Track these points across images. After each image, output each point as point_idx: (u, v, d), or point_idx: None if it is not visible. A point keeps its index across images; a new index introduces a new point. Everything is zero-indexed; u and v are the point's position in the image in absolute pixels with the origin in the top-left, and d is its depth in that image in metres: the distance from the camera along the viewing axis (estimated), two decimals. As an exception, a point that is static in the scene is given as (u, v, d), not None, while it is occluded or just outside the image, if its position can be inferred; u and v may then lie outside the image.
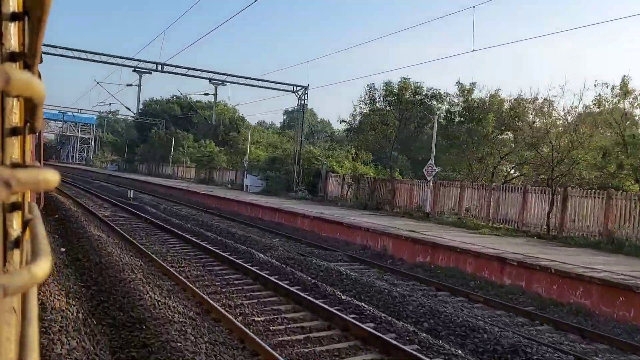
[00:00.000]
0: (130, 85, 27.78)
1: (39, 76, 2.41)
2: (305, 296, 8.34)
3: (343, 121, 27.65)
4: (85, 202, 24.43)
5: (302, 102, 31.47)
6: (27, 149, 1.42)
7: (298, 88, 31.32)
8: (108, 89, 51.72)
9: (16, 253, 0.89)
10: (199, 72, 28.46)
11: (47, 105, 67.00)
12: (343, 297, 8.74)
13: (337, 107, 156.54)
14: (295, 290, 8.66)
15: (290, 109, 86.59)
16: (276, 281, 9.21)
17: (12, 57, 0.82)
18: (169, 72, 28.61)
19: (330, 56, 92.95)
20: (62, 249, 11.36)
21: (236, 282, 9.44)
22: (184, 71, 28.64)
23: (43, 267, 0.59)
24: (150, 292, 7.13)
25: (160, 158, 54.30)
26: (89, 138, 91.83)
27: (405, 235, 13.59)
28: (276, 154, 34.62)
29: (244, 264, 10.71)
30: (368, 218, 18.46)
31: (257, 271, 10.07)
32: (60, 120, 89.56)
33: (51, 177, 0.59)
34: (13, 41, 0.83)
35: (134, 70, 27.74)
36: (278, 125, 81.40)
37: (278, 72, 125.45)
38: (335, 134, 73.33)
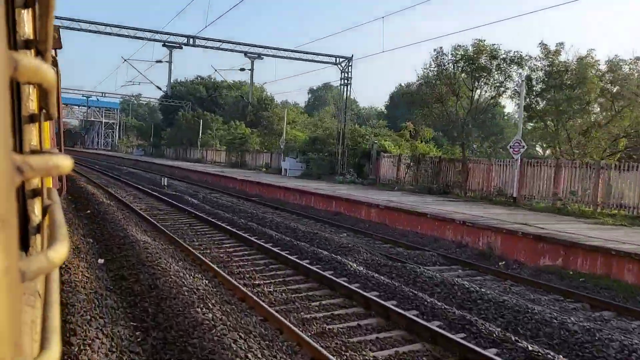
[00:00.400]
0: (160, 61, 25.34)
1: (55, 63, 2.94)
2: (459, 340, 5.68)
3: (407, 92, 24.53)
4: (117, 192, 22.24)
5: (346, 74, 28.51)
6: (45, 135, 1.38)
7: (341, 59, 28.34)
8: (136, 66, 49.14)
9: (37, 238, 0.93)
10: (234, 45, 25.73)
11: (70, 90, 65.40)
12: (492, 329, 6.12)
13: (365, 84, 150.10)
14: (441, 331, 5.99)
15: (315, 87, 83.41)
16: (403, 313, 6.56)
17: (27, 44, 0.83)
18: (201, 47, 25.97)
19: (370, 25, 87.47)
20: (101, 260, 8.93)
21: (343, 314, 6.82)
22: (217, 44, 25.92)
23: (60, 251, 0.61)
24: (250, 355, 4.56)
25: (187, 142, 52.15)
26: (114, 123, 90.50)
27: (522, 231, 10.78)
28: (317, 134, 31.86)
29: (337, 279, 8.11)
30: (447, 206, 15.67)
31: (362, 292, 7.44)
32: (84, 106, 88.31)
33: (64, 162, 0.60)
34: (27, 28, 0.84)
35: (163, 45, 25.18)
36: (302, 104, 78.48)
37: (315, 43, 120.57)
38: (361, 112, 70.08)
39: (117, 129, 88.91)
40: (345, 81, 28.72)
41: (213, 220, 14.50)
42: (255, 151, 38.97)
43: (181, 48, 25.01)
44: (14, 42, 0.77)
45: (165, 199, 19.71)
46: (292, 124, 35.18)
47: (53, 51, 3.50)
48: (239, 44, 26.12)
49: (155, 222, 13.39)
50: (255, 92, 54.27)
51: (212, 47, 25.66)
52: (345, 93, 28.88)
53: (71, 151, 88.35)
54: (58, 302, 0.75)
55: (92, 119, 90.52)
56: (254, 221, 14.86)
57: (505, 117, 42.19)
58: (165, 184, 25.08)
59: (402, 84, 51.26)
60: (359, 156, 27.94)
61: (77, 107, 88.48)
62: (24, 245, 0.88)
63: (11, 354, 0.40)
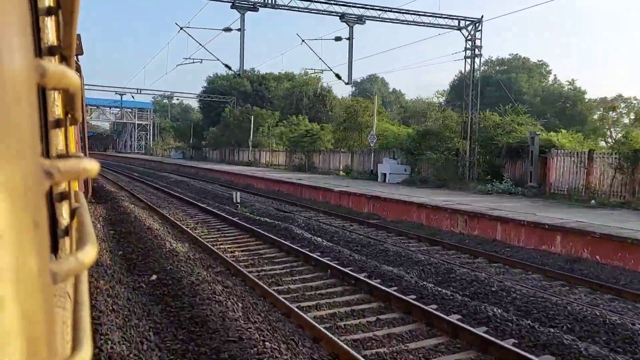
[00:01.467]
0: (230, 30, 18.07)
1: (78, 68, 3.13)
2: None
3: None
4: (176, 215, 15.10)
5: (473, 42, 20.69)
6: (71, 139, 1.42)
7: (467, 22, 20.54)
8: (197, 36, 41.06)
9: (66, 241, 0.94)
10: (327, 4, 18.22)
11: (99, 87, 59.36)
12: None
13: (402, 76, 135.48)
14: None
15: (359, 80, 75.52)
16: None
17: (51, 50, 0.85)
18: (283, 7, 18.57)
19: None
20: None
21: None
22: (305, 4, 18.49)
23: (89, 253, 0.63)
24: None
25: (236, 142, 45.13)
26: (147, 124, 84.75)
27: None
28: (428, 126, 24.13)
29: None
30: None
31: None
32: (116, 107, 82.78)
33: (91, 166, 0.62)
34: (50, 35, 0.85)
35: (232, 7, 17.78)
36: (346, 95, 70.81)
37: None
38: (408, 105, 61.92)
39: (151, 131, 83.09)
40: (472, 51, 20.90)
41: (379, 286, 7.03)
42: (327, 151, 31.50)
43: (256, 10, 17.58)
44: (39, 49, 0.78)
45: (255, 228, 12.37)
46: (379, 116, 27.50)
47: (75, 57, 2.81)
48: (334, 3, 18.57)
49: (276, 295, 6.02)
50: (311, 85, 46.90)
51: (297, 9, 18.25)
52: (472, 66, 21.04)
53: (103, 156, 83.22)
54: (88, 303, 0.75)
55: (125, 120, 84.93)
56: (459, 289, 7.34)
57: None
58: (238, 200, 17.85)
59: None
60: (496, 154, 20.12)
61: (108, 108, 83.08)
62: (54, 247, 0.90)
63: (47, 355, 0.41)
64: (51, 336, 0.44)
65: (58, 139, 0.92)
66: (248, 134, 41.83)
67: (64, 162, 0.54)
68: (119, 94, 57.68)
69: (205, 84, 58.97)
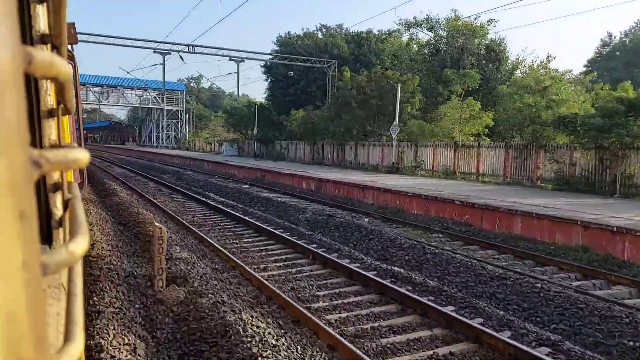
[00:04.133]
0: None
1: (72, 57, 3.08)
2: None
3: None
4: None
5: None
6: (65, 130, 1.40)
7: None
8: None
9: (60, 232, 0.94)
10: None
11: (135, 41, 42.20)
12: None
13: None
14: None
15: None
16: None
17: (43, 39, 0.85)
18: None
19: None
20: None
21: None
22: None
23: (81, 244, 0.63)
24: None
25: (361, 131, 27.16)
26: (178, 111, 67.15)
27: None
28: None
29: None
30: None
31: None
32: (141, 88, 65.18)
33: (81, 156, 0.62)
34: (42, 24, 0.85)
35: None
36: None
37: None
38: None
39: (186, 118, 65.39)
40: None
41: None
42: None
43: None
44: (30, 37, 0.78)
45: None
46: None
47: (70, 46, 3.54)
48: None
49: None
50: (481, 32, 28.72)
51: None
52: None
53: (120, 151, 66.04)
54: (81, 295, 0.75)
55: (151, 105, 67.34)
56: None
57: None
58: None
59: None
60: None
61: (129, 90, 65.56)
62: (49, 239, 0.90)
63: (33, 347, 0.41)
64: (40, 329, 0.44)
65: (51, 129, 0.91)
66: (387, 117, 23.81)
67: (52, 152, 0.53)
68: (160, 53, 39.77)
69: (275, 47, 40.90)
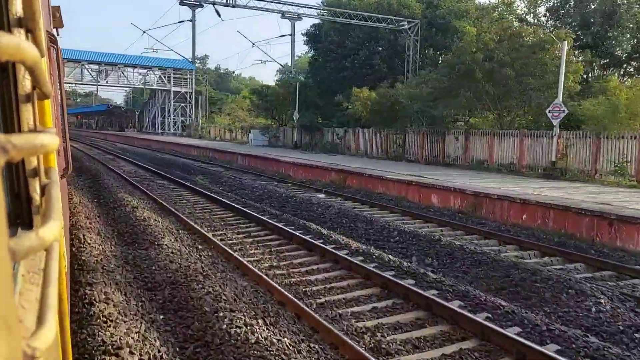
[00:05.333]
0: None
1: (54, 41, 2.89)
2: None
3: None
4: None
5: None
6: (47, 115, 1.43)
7: None
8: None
9: (39, 218, 0.92)
10: None
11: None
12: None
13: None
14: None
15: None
16: None
17: (20, 22, 0.84)
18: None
19: None
20: None
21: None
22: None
23: (52, 229, 0.62)
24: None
25: (466, 115, 19.15)
26: (187, 92, 58.69)
27: None
28: None
29: None
30: None
31: None
32: (145, 67, 56.64)
33: (50, 140, 0.61)
34: (19, 6, 0.84)
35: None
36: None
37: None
38: None
39: (202, 101, 56.91)
40: None
41: None
42: None
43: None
44: (8, 21, 0.78)
45: None
46: None
47: (55, 30, 3.48)
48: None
49: None
50: None
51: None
52: None
53: (117, 138, 57.70)
54: (56, 280, 0.75)
55: (156, 87, 58.80)
56: None
57: None
58: None
59: None
60: None
61: (131, 69, 56.97)
62: (30, 225, 0.90)
63: (6, 332, 0.41)
64: (11, 314, 0.44)
65: (29, 113, 0.90)
66: (523, 95, 15.68)
67: (19, 137, 0.52)
68: (189, 5, 31.19)
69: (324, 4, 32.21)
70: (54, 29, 3.65)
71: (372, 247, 8.78)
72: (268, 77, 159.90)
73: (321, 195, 16.55)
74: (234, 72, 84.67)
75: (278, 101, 33.71)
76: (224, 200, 13.42)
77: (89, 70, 54.01)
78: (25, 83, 0.89)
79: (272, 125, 35.34)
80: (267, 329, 4.83)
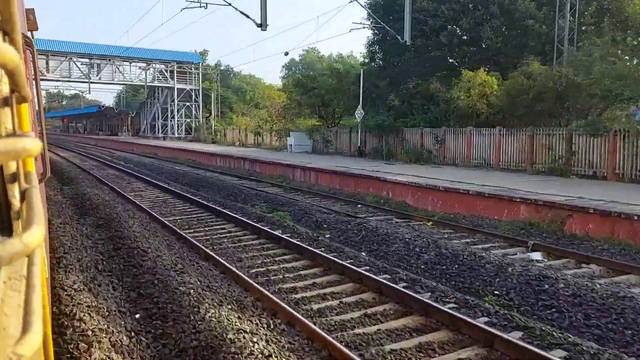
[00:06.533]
0: None
1: (30, 44, 2.80)
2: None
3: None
4: None
5: None
6: (24, 119, 1.39)
7: None
8: None
9: (19, 223, 0.92)
10: None
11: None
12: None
13: None
14: None
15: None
16: None
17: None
18: None
19: None
20: None
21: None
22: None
23: (35, 234, 0.61)
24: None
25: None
26: (193, 90, 50.76)
27: None
28: None
29: None
30: None
31: None
32: (145, 60, 48.61)
33: (31, 145, 0.60)
34: None
35: None
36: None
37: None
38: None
39: (215, 99, 48.96)
40: None
41: None
42: None
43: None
44: None
45: None
46: None
47: (30, 33, 3.33)
48: None
49: None
50: None
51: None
52: None
53: (118, 144, 49.02)
54: (39, 286, 0.74)
55: (157, 83, 50.77)
56: None
57: None
58: None
59: None
60: None
61: (127, 64, 48.85)
62: (10, 231, 0.89)
63: None
64: None
65: (7, 117, 0.88)
66: None
67: (2, 141, 0.50)
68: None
69: None
70: (29, 32, 3.39)
71: None
72: (268, 74, 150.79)
73: (537, 257, 8.90)
74: (234, 69, 76.37)
75: (329, 95, 25.95)
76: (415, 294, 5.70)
77: (79, 64, 45.90)
78: (2, 87, 0.86)
79: (320, 126, 27.54)
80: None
